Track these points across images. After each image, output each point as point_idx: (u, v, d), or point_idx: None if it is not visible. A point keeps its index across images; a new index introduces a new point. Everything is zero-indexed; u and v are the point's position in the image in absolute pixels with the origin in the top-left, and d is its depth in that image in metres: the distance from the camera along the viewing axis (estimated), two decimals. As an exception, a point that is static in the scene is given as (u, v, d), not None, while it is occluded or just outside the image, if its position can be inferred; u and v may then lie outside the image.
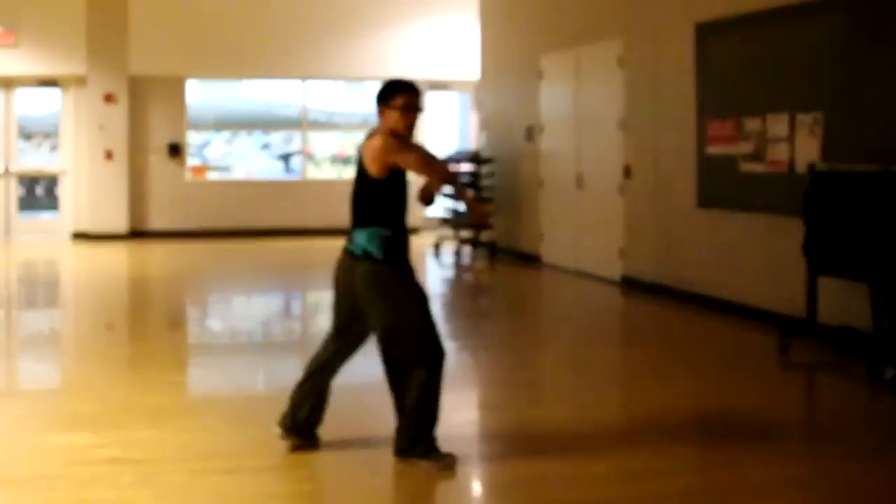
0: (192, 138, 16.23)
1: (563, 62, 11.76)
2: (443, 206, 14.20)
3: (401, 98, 4.63)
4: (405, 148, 4.58)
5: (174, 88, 15.89)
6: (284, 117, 16.55)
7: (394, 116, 4.62)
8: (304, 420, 4.84)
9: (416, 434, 4.66)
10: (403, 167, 4.56)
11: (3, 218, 15.56)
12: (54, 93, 15.81)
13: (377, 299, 4.60)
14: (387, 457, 4.79)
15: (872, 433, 5.42)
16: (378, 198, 4.60)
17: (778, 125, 8.02)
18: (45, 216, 15.89)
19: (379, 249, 4.59)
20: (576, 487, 4.50)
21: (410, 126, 4.66)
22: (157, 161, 15.84)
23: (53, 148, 15.92)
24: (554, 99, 12.00)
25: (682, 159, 9.30)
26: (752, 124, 8.32)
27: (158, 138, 15.83)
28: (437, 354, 4.63)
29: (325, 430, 5.26)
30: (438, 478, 4.62)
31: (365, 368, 7.09)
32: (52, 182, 15.85)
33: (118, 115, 15.50)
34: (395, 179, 4.61)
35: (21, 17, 15.23)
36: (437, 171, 4.62)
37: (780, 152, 8.00)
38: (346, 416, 5.58)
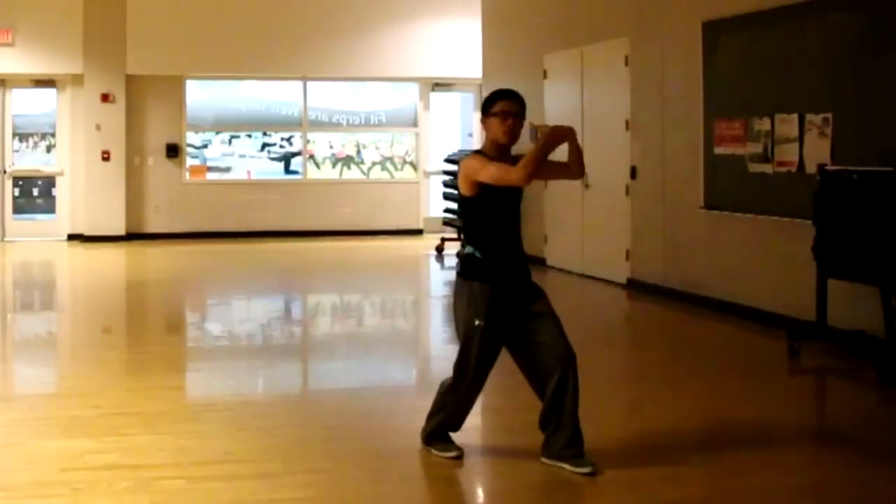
0: (191, 138, 16.14)
1: (568, 61, 11.68)
2: (444, 207, 14.13)
3: (499, 104, 4.65)
4: (485, 165, 4.56)
5: (173, 88, 15.81)
6: (284, 117, 16.46)
7: (493, 123, 4.64)
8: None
9: (428, 417, 4.85)
10: (487, 182, 4.54)
11: (-2, 220, 15.48)
12: (50, 93, 15.71)
13: (454, 307, 4.79)
14: (387, 462, 4.76)
15: (884, 438, 5.35)
16: (467, 215, 4.72)
17: (787, 125, 7.94)
18: (41, 218, 15.78)
19: (461, 265, 4.71)
20: (579, 493, 4.45)
21: (509, 132, 4.62)
22: (155, 162, 15.75)
23: (49, 148, 15.81)
24: (558, 99, 11.92)
25: (690, 160, 9.23)
26: (760, 124, 8.24)
27: (157, 139, 15.75)
28: (461, 384, 4.71)
29: (325, 436, 5.18)
30: (440, 483, 4.61)
31: (365, 373, 7.03)
32: (48, 183, 15.74)
33: (115, 115, 15.41)
34: (487, 198, 4.60)
35: (17, 16, 15.15)
36: (515, 178, 4.50)
37: (789, 153, 7.92)
38: (345, 421, 5.51)
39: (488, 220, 4.64)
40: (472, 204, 4.64)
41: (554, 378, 4.55)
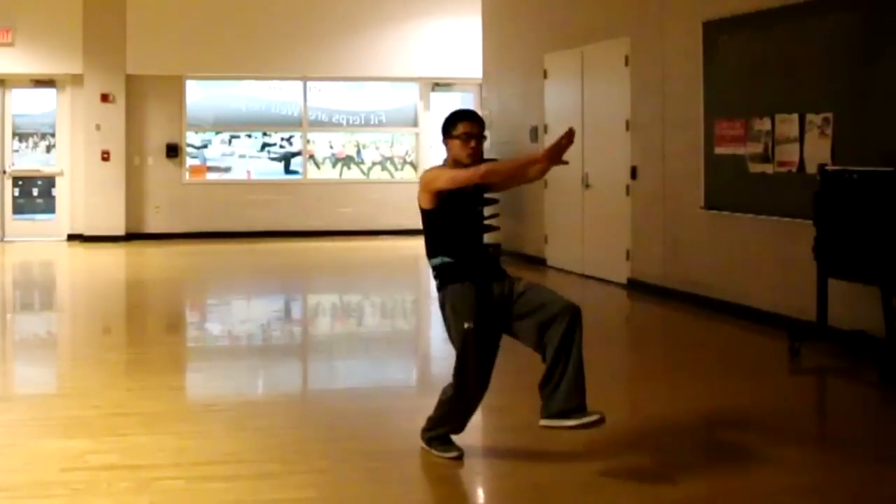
0: (191, 138, 16.13)
1: (568, 61, 11.67)
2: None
3: (461, 126, 4.70)
4: (442, 173, 4.66)
5: (173, 88, 15.80)
6: (284, 117, 16.45)
7: (455, 145, 4.71)
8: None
9: (430, 423, 4.82)
10: (445, 188, 4.61)
11: (-2, 220, 15.47)
12: (50, 93, 15.70)
13: (444, 319, 4.77)
14: (387, 462, 4.76)
15: (884, 439, 5.34)
16: (431, 228, 4.74)
17: (787, 125, 7.93)
18: (40, 218, 15.77)
19: (436, 277, 4.73)
20: (581, 493, 4.45)
21: (472, 154, 4.67)
22: (155, 162, 15.74)
23: (49, 148, 15.80)
24: (559, 98, 11.92)
25: (690, 160, 9.22)
26: (760, 124, 8.23)
27: (156, 139, 15.74)
28: (465, 390, 4.68)
29: (325, 437, 5.18)
30: (440, 483, 4.60)
31: (365, 374, 7.02)
32: (48, 183, 15.73)
33: (115, 115, 15.40)
34: (447, 208, 4.65)
35: (17, 16, 15.14)
36: (470, 174, 4.57)
37: (789, 153, 7.91)
38: (345, 421, 5.51)
39: (453, 229, 4.68)
40: (433, 216, 4.70)
41: (560, 327, 4.47)
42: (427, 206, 4.68)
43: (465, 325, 4.57)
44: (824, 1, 7.64)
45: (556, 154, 4.59)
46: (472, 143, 4.66)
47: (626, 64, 10.37)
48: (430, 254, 4.73)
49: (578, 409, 4.45)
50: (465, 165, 4.65)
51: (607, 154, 10.76)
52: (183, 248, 14.61)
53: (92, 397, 5.96)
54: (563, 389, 4.46)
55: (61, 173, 15.65)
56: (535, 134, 12.42)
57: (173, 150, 15.76)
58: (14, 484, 4.41)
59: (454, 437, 4.82)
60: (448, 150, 4.75)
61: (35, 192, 15.76)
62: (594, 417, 4.43)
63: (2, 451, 4.90)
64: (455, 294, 4.60)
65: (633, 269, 10.32)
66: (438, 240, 4.71)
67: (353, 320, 9.50)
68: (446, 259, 4.66)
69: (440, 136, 4.81)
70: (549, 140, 12.02)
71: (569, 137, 4.56)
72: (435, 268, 4.70)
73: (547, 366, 4.53)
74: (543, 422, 4.54)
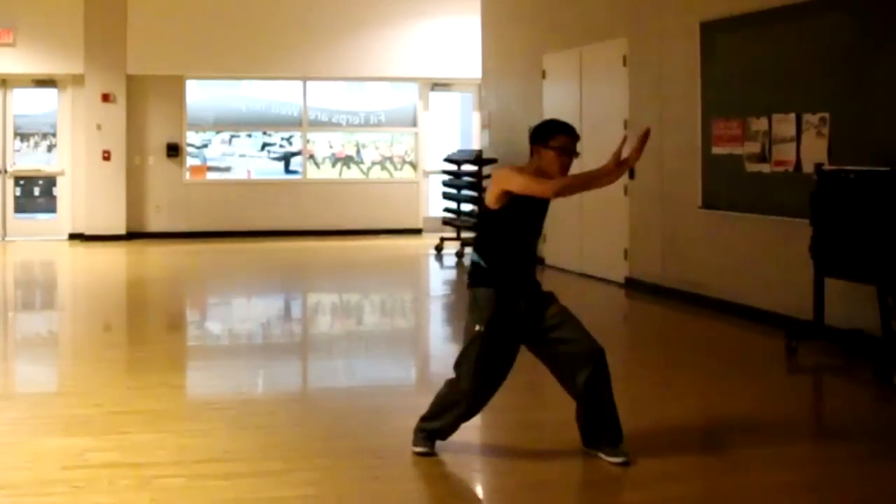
0: (192, 138, 16.15)
1: (567, 61, 11.69)
2: (444, 206, 14.18)
3: (561, 139, 4.61)
4: (519, 174, 4.54)
5: (173, 88, 15.82)
6: (284, 117, 16.48)
7: (549, 156, 4.59)
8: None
9: (422, 418, 4.80)
10: (515, 191, 4.50)
11: (-1, 219, 15.50)
12: (51, 92, 15.73)
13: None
14: (387, 460, 4.77)
15: (880, 437, 5.36)
16: (486, 227, 4.70)
17: (784, 125, 7.96)
18: (42, 217, 15.80)
19: (468, 274, 4.72)
20: (580, 492, 4.48)
21: (563, 170, 4.61)
22: (156, 161, 15.77)
23: (50, 148, 15.83)
24: (557, 98, 11.94)
25: (687, 160, 9.24)
26: (757, 124, 8.26)
27: (157, 138, 15.76)
28: (458, 383, 4.70)
29: (325, 435, 5.21)
30: (440, 482, 4.62)
31: (365, 372, 7.05)
32: (49, 183, 15.76)
33: (116, 114, 15.42)
34: (511, 212, 4.56)
35: (18, 16, 15.16)
36: (541, 190, 4.50)
37: (786, 153, 7.94)
38: (345, 419, 5.53)
39: (505, 234, 4.63)
40: (494, 217, 4.61)
41: (584, 376, 4.61)
42: (493, 205, 4.59)
43: (476, 328, 4.61)
44: (821, 1, 7.67)
45: (629, 162, 4.56)
46: (566, 160, 4.59)
47: (625, 64, 10.40)
48: (476, 248, 4.73)
49: (612, 443, 4.64)
50: (549, 176, 4.56)
51: (605, 154, 10.66)
52: (183, 247, 14.63)
53: (93, 395, 5.98)
54: (598, 428, 4.66)
55: (62, 173, 15.68)
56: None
57: (174, 150, 15.79)
58: (15, 482, 4.43)
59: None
60: (537, 156, 4.63)
61: (36, 191, 15.80)
62: (620, 459, 4.60)
63: (3, 449, 4.92)
64: (478, 296, 4.62)
65: (630, 269, 10.35)
66: (485, 240, 4.70)
67: (352, 319, 9.53)
68: (481, 261, 4.65)
69: (531, 140, 4.65)
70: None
71: (643, 140, 4.55)
72: (472, 263, 4.70)
73: (577, 407, 4.71)
74: (585, 448, 4.74)
